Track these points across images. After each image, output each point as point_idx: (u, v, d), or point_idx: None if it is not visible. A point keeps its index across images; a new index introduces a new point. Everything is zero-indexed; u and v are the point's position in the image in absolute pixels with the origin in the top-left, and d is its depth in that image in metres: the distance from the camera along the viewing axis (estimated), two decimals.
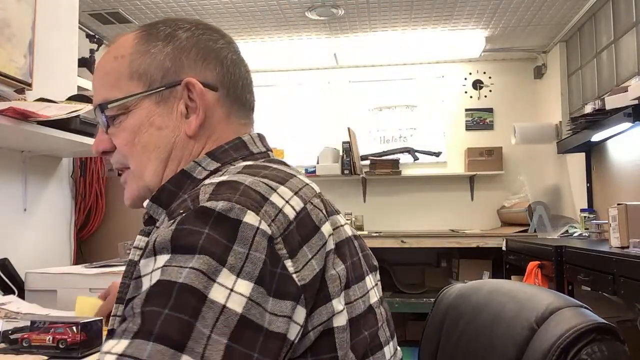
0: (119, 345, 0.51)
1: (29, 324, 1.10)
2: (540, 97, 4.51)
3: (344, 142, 4.46)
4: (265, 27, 3.87)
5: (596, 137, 3.05)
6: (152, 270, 0.55)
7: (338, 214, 0.70)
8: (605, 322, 0.71)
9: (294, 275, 0.56)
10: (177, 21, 0.78)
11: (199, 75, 0.74)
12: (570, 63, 4.01)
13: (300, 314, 0.56)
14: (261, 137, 0.80)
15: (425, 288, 4.21)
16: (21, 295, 1.55)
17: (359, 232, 0.78)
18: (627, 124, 2.60)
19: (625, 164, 3.09)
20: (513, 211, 4.18)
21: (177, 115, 0.74)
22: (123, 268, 1.62)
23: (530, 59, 4.54)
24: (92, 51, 3.53)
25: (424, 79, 4.67)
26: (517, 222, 4.11)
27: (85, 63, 3.23)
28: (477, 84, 4.65)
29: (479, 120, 4.64)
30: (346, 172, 4.43)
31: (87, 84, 2.96)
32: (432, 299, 1.10)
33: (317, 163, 4.48)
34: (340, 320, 0.60)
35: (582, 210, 3.48)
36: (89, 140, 1.67)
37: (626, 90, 2.60)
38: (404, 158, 4.53)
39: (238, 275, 0.53)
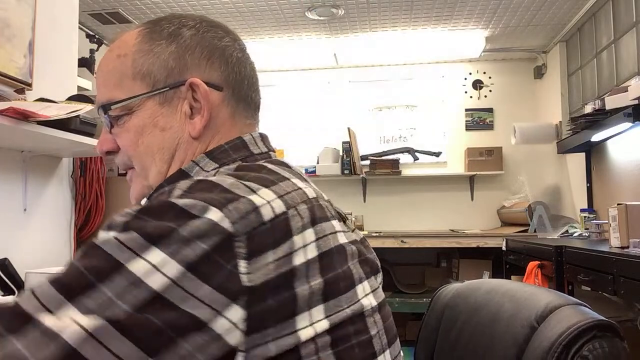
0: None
1: None
2: (540, 97, 4.51)
3: (344, 142, 4.46)
4: (265, 27, 3.87)
5: (596, 137, 3.05)
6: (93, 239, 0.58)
7: (335, 219, 0.67)
8: (606, 319, 0.71)
9: (243, 276, 0.54)
10: (181, 18, 0.76)
11: (203, 75, 0.73)
12: (570, 63, 4.01)
13: (235, 313, 0.54)
14: (263, 137, 0.78)
15: (425, 288, 4.21)
16: None
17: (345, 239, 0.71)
18: (627, 124, 2.60)
19: (625, 164, 3.09)
20: (513, 211, 4.18)
21: (181, 116, 0.73)
22: None
23: (530, 59, 4.54)
24: (92, 51, 3.53)
25: (424, 79, 4.67)
26: (517, 222, 4.11)
27: (85, 63, 3.23)
28: (477, 84, 4.65)
29: (479, 120, 4.64)
30: (346, 172, 4.43)
31: (87, 84, 2.96)
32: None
33: (317, 163, 4.48)
34: (310, 333, 0.58)
35: (582, 210, 3.48)
36: (89, 140, 1.67)
37: (626, 90, 2.60)
38: (404, 158, 4.53)
39: (171, 256, 0.53)
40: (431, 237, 3.95)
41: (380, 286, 0.74)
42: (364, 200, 4.65)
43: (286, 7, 3.53)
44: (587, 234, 3.20)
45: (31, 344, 0.50)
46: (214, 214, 0.55)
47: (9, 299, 1.45)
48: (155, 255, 0.53)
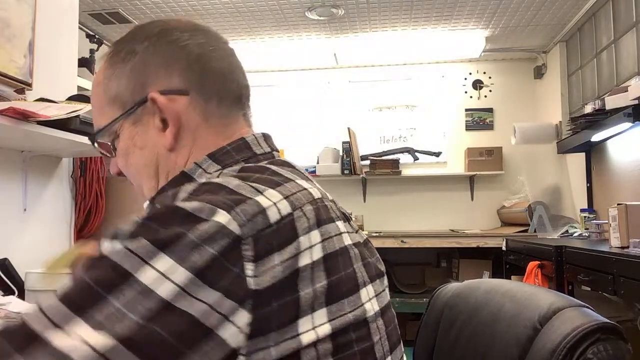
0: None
1: None
2: (540, 97, 4.51)
3: (344, 142, 4.46)
4: (265, 27, 3.87)
5: (596, 137, 3.05)
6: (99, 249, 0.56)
7: (340, 220, 0.67)
8: (610, 321, 0.71)
9: (250, 279, 0.54)
10: (136, 33, 0.75)
11: (164, 85, 0.72)
12: (570, 63, 4.01)
13: (242, 317, 0.53)
14: (266, 137, 0.77)
15: (425, 288, 4.21)
16: (21, 295, 1.55)
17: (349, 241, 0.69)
18: (627, 124, 2.60)
19: (625, 164, 3.09)
20: (513, 211, 4.18)
21: (155, 131, 0.73)
22: None
23: (530, 59, 4.54)
24: (92, 51, 3.53)
25: (424, 79, 4.67)
26: (517, 222, 4.11)
27: (85, 63, 3.23)
28: (477, 84, 4.65)
29: (479, 120, 4.64)
30: (346, 172, 4.43)
31: (87, 84, 2.96)
32: None
33: (317, 163, 4.48)
34: (312, 337, 0.57)
35: (582, 210, 3.48)
36: (89, 140, 1.67)
37: (626, 90, 2.60)
38: (404, 158, 4.53)
39: (179, 262, 0.52)
40: (431, 237, 3.95)
41: (387, 289, 0.73)
42: (364, 200, 4.65)
43: (286, 7, 3.53)
44: (587, 234, 3.20)
45: None
46: (222, 217, 0.54)
47: (10, 298, 1.45)
48: (164, 262, 0.52)
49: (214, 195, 0.57)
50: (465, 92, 4.66)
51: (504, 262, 3.48)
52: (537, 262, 2.75)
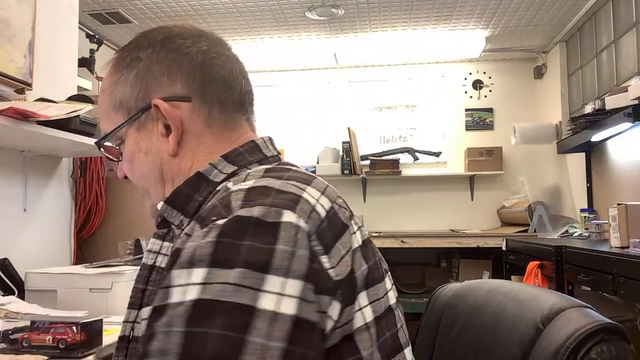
0: None
1: (29, 324, 1.10)
2: (540, 97, 4.51)
3: (344, 142, 4.46)
4: (265, 27, 3.87)
5: (596, 137, 3.05)
6: (187, 284, 0.53)
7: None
8: (612, 322, 0.72)
9: (330, 271, 0.57)
10: (140, 40, 0.77)
11: (166, 92, 0.73)
12: (570, 63, 4.01)
13: (336, 309, 0.57)
14: (271, 141, 0.79)
15: (425, 288, 4.21)
16: (21, 295, 1.55)
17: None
18: (627, 124, 2.60)
19: (625, 164, 3.09)
20: (513, 211, 4.18)
21: (158, 137, 0.74)
22: (123, 268, 1.63)
23: (530, 59, 4.54)
24: (92, 51, 3.53)
25: (424, 79, 4.67)
26: (517, 222, 4.11)
27: (85, 63, 3.23)
28: (477, 84, 4.65)
29: (479, 120, 4.64)
30: (346, 172, 4.43)
31: (87, 84, 2.96)
32: None
33: (317, 163, 4.48)
34: (360, 320, 0.60)
35: (582, 210, 3.48)
36: (89, 140, 1.67)
37: (626, 90, 2.60)
38: (404, 158, 4.53)
39: (286, 276, 0.53)
40: (431, 237, 3.95)
41: (393, 285, 0.76)
42: (364, 200, 4.65)
43: (286, 7, 3.53)
44: (587, 234, 3.20)
45: None
46: (290, 216, 0.56)
47: (10, 298, 1.45)
48: (274, 282, 0.52)
49: (269, 197, 0.58)
50: (465, 92, 4.66)
51: (504, 262, 3.48)
52: (537, 262, 2.75)
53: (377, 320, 0.62)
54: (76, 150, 1.83)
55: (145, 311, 0.67)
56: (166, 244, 0.75)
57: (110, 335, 1.20)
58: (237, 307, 0.51)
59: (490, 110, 4.63)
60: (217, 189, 0.69)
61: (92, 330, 1.11)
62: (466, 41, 4.15)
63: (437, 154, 4.57)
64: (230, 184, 0.66)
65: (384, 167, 4.45)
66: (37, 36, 1.76)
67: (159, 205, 0.73)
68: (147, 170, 0.76)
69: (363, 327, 0.60)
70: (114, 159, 0.79)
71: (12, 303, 1.41)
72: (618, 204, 2.28)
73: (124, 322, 0.73)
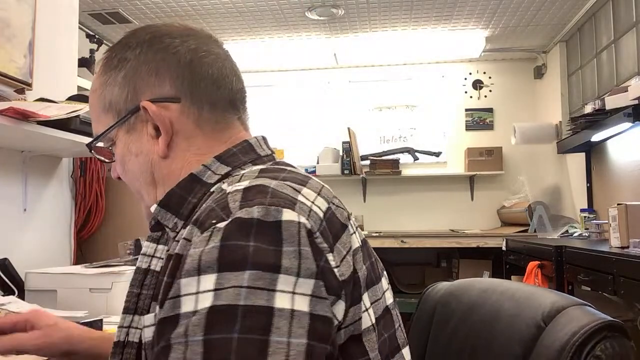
0: None
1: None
2: (540, 97, 4.51)
3: (344, 142, 4.46)
4: (265, 27, 3.87)
5: (596, 137, 3.05)
6: (198, 292, 0.52)
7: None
8: (614, 319, 0.73)
9: (335, 270, 0.57)
10: (128, 39, 0.75)
11: (155, 92, 0.72)
12: (570, 63, 4.01)
13: (340, 308, 0.57)
14: (265, 140, 0.78)
15: (425, 288, 4.21)
16: (21, 295, 1.55)
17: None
18: (627, 124, 2.60)
19: (625, 164, 3.09)
20: (513, 211, 4.18)
21: (148, 139, 0.73)
22: (123, 268, 1.63)
23: (530, 59, 4.54)
24: (92, 51, 3.53)
25: (424, 79, 4.67)
26: (517, 222, 4.11)
27: (85, 63, 3.23)
28: (477, 84, 4.65)
29: (479, 120, 4.64)
30: (346, 172, 4.43)
31: (87, 84, 2.96)
32: None
33: (317, 163, 4.48)
34: (367, 321, 0.61)
35: (582, 210, 3.48)
36: (89, 140, 1.67)
37: (626, 90, 2.60)
38: (404, 158, 4.53)
39: (298, 276, 0.53)
40: (431, 237, 3.95)
41: (390, 287, 0.75)
42: (364, 200, 4.65)
43: (286, 7, 3.53)
44: (587, 234, 3.20)
45: None
46: (290, 214, 0.56)
47: (10, 298, 1.45)
48: (285, 281, 0.53)
49: (266, 196, 0.58)
50: (465, 92, 4.66)
51: (504, 262, 3.48)
52: (537, 262, 2.75)
53: (376, 322, 0.63)
54: (76, 150, 1.82)
55: (147, 319, 0.66)
56: (160, 247, 0.75)
57: (110, 335, 1.19)
58: (254, 309, 0.51)
59: (490, 110, 4.63)
60: (211, 190, 0.68)
61: None
62: (466, 41, 4.15)
63: (437, 154, 4.57)
64: (224, 185, 0.65)
65: (384, 167, 4.45)
66: (37, 36, 1.76)
67: (153, 208, 0.72)
68: (138, 172, 0.75)
69: (370, 328, 0.61)
70: (107, 160, 0.78)
71: (12, 303, 1.41)
72: (618, 204, 2.28)
73: (118, 327, 0.72)
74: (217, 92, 0.74)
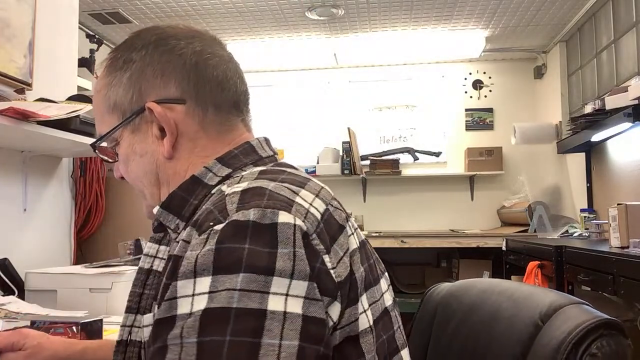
0: None
1: (29, 324, 1.10)
2: (540, 97, 4.51)
3: (344, 142, 4.46)
4: (265, 27, 3.87)
5: (596, 137, 3.05)
6: (194, 294, 0.53)
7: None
8: (611, 317, 0.74)
9: (332, 271, 0.57)
10: (133, 40, 0.76)
11: (160, 94, 0.72)
12: (570, 63, 4.01)
13: (336, 310, 0.57)
14: (267, 141, 0.78)
15: (425, 288, 4.19)
16: (21, 295, 1.55)
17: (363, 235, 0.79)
18: (627, 124, 2.60)
19: (625, 164, 3.09)
20: (513, 211, 4.18)
21: (153, 139, 0.73)
22: (123, 268, 1.63)
23: (530, 59, 4.54)
24: (92, 51, 3.53)
25: (424, 79, 4.67)
26: (517, 222, 4.11)
27: (85, 63, 3.23)
28: (477, 84, 4.65)
29: (479, 120, 4.64)
30: (346, 172, 4.43)
31: (87, 84, 2.96)
32: None
33: (317, 163, 4.48)
34: (365, 323, 0.61)
35: (582, 210, 3.48)
36: (89, 140, 1.66)
37: (626, 90, 2.60)
38: (404, 158, 4.53)
39: (291, 278, 0.54)
40: (431, 237, 3.95)
41: (390, 287, 0.75)
42: (364, 200, 4.65)
43: (286, 7, 3.53)
44: (587, 234, 3.20)
45: None
46: (286, 217, 0.56)
47: (10, 298, 1.45)
48: (278, 284, 0.53)
49: (263, 199, 0.58)
50: (465, 92, 4.66)
51: (504, 262, 3.48)
52: (537, 262, 2.74)
53: (374, 323, 0.63)
54: (76, 150, 1.82)
55: (147, 319, 0.66)
56: (162, 247, 0.75)
57: (110, 335, 1.20)
58: (247, 312, 0.51)
59: (490, 110, 4.63)
60: (212, 192, 0.68)
61: (92, 330, 1.11)
62: (466, 41, 4.15)
63: (437, 154, 4.57)
64: (224, 187, 0.65)
65: (384, 167, 4.45)
66: (37, 36, 1.76)
67: (155, 210, 0.72)
68: (142, 172, 0.75)
69: (368, 330, 0.61)
70: (110, 160, 0.79)
71: (12, 303, 1.41)
72: (618, 204, 2.28)
73: (121, 326, 0.73)
74: (221, 94, 0.74)
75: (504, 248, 3.50)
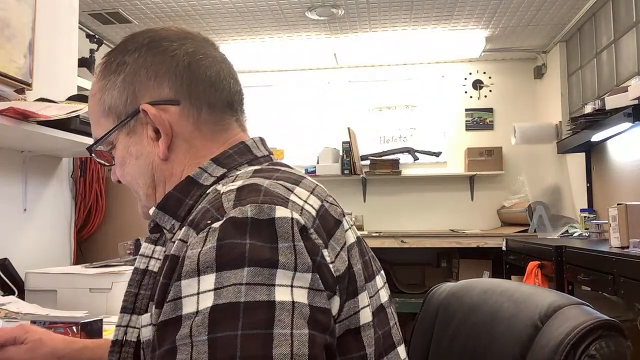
0: None
1: (29, 324, 1.10)
2: (540, 97, 4.51)
3: (344, 142, 4.46)
4: (265, 27, 3.87)
5: (596, 137, 3.05)
6: (199, 292, 0.53)
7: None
8: (610, 318, 0.73)
9: (330, 265, 0.58)
10: (126, 43, 0.76)
11: (154, 95, 0.73)
12: (570, 63, 4.01)
13: (335, 303, 0.58)
14: (262, 141, 0.79)
15: (425, 288, 4.21)
16: (21, 295, 1.55)
17: (359, 233, 0.80)
18: (627, 124, 2.60)
19: (625, 164, 3.09)
20: (513, 211, 4.18)
21: (149, 141, 0.74)
22: (123, 268, 1.63)
23: (530, 59, 4.54)
24: (92, 51, 3.53)
25: (424, 79, 4.67)
26: (517, 222, 4.11)
27: (85, 63, 3.23)
28: (477, 84, 4.65)
29: (479, 120, 4.64)
30: (346, 172, 4.43)
31: (87, 84, 2.96)
32: None
33: (317, 163, 4.48)
34: (366, 317, 0.61)
35: (582, 210, 3.48)
36: (89, 140, 1.66)
37: (626, 90, 2.60)
38: (404, 158, 4.53)
39: (295, 270, 0.54)
40: (431, 237, 3.95)
41: (386, 284, 0.76)
42: (364, 200, 4.65)
43: (286, 7, 3.53)
44: (587, 234, 3.20)
45: None
46: (283, 211, 0.57)
47: (10, 298, 1.45)
48: (283, 275, 0.54)
49: (259, 195, 0.59)
50: (465, 92, 4.66)
51: (504, 262, 3.48)
52: (537, 262, 2.74)
53: (374, 316, 0.64)
54: (76, 150, 1.82)
55: (144, 319, 0.66)
56: (158, 248, 0.75)
57: (110, 335, 1.19)
58: (255, 305, 0.52)
59: (490, 110, 4.63)
60: (207, 192, 0.68)
61: (92, 330, 1.11)
62: (466, 41, 4.15)
63: (437, 154, 4.57)
64: (219, 186, 0.66)
65: (384, 167, 4.45)
66: (37, 36, 1.76)
67: (151, 211, 0.73)
68: (138, 174, 0.76)
69: (370, 324, 0.62)
70: (106, 163, 0.79)
71: (12, 303, 1.41)
72: (618, 204, 2.28)
73: (117, 326, 0.73)
74: (215, 94, 0.75)
75: (504, 248, 3.50)
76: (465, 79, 4.66)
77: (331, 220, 0.62)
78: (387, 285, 0.74)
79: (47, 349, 0.86)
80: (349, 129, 4.46)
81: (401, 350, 0.69)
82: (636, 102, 2.49)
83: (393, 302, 0.75)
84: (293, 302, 0.52)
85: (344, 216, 0.66)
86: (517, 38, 4.12)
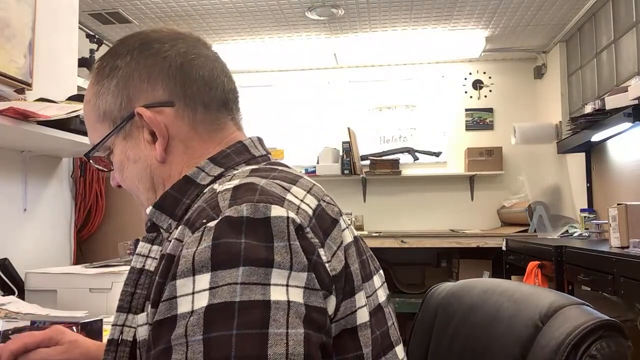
0: None
1: (29, 323, 1.10)
2: (540, 97, 4.51)
3: (344, 142, 4.46)
4: (265, 27, 3.87)
5: (596, 137, 3.05)
6: (194, 292, 0.53)
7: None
8: (611, 319, 0.73)
9: (327, 265, 0.58)
10: (118, 48, 0.76)
11: (149, 98, 0.73)
12: (570, 63, 4.01)
13: (331, 303, 0.58)
14: (260, 141, 0.79)
15: (425, 288, 4.20)
16: (21, 295, 1.55)
17: (358, 232, 0.79)
18: (627, 124, 2.60)
19: (625, 164, 3.09)
20: (513, 211, 4.18)
21: (145, 144, 0.74)
22: (123, 268, 1.63)
23: (530, 59, 4.54)
24: (92, 51, 3.53)
25: (424, 79, 4.67)
26: (517, 222, 4.11)
27: (85, 63, 3.23)
28: (477, 84, 4.65)
29: (479, 120, 4.64)
30: (346, 172, 4.43)
31: (87, 84, 2.95)
32: None
33: (317, 163, 4.48)
34: (363, 317, 0.61)
35: (582, 210, 3.48)
36: (89, 140, 1.67)
37: (626, 90, 2.60)
38: (404, 158, 4.53)
39: (290, 269, 0.54)
40: (431, 237, 3.95)
41: (385, 284, 0.76)
42: (364, 200, 4.65)
43: (286, 7, 3.53)
44: (587, 234, 3.20)
45: None
46: (278, 210, 0.57)
47: (10, 298, 1.45)
48: (278, 275, 0.53)
49: (255, 194, 0.58)
50: (465, 92, 4.66)
51: (504, 262, 3.48)
52: (537, 262, 2.74)
53: (371, 316, 0.64)
54: (76, 150, 1.82)
55: (140, 318, 0.66)
56: (155, 247, 0.75)
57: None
58: (250, 304, 0.51)
59: (490, 110, 4.63)
60: (204, 191, 0.68)
61: (92, 330, 1.11)
62: (466, 41, 4.15)
63: (437, 154, 4.57)
64: (216, 185, 0.66)
65: (384, 167, 4.45)
66: (37, 36, 1.76)
67: (148, 210, 0.73)
68: (137, 177, 0.76)
69: (367, 324, 0.61)
70: (105, 169, 0.79)
71: (12, 303, 1.41)
72: (618, 204, 2.28)
73: (113, 325, 0.73)
74: (209, 93, 0.75)
75: (504, 248, 3.50)
76: (465, 79, 4.66)
77: (328, 220, 0.62)
78: (385, 284, 0.74)
79: (81, 350, 0.87)
80: (349, 129, 4.46)
81: (399, 350, 0.69)
82: (636, 102, 2.49)
83: (393, 302, 0.75)
84: (288, 301, 0.52)
85: (341, 216, 0.66)
86: (517, 38, 4.13)
